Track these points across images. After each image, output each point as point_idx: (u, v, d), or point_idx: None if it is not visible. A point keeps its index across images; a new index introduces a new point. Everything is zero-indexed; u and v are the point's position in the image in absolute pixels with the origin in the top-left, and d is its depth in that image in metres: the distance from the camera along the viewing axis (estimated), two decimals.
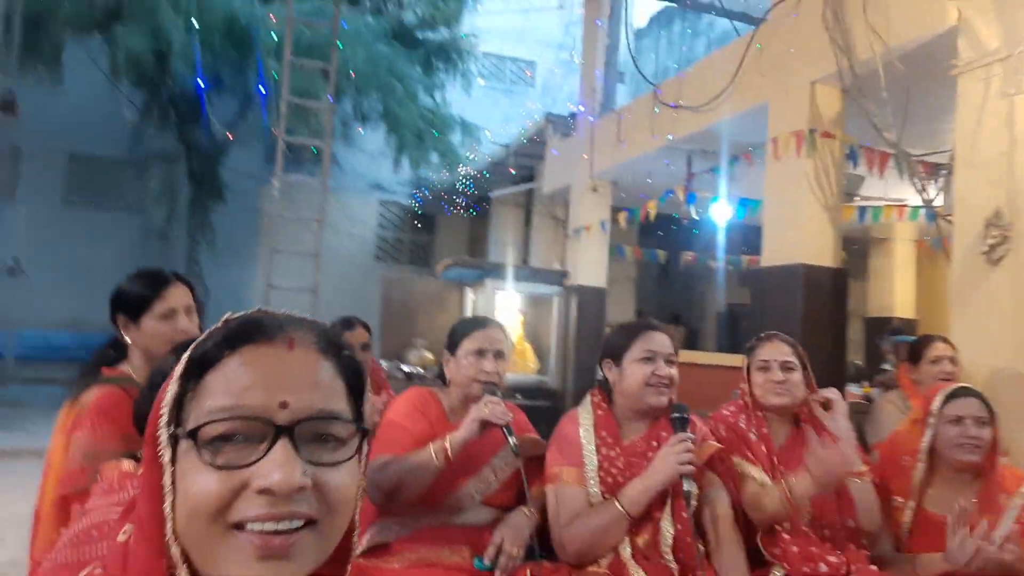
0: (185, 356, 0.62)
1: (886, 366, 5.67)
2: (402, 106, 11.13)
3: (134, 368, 1.71)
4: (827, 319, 4.18)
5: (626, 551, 1.74)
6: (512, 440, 1.75)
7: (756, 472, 1.98)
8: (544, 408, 6.26)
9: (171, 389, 0.61)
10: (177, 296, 1.75)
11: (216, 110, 10.85)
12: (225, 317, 0.65)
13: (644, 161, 6.45)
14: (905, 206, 5.68)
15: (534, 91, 13.56)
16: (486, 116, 12.30)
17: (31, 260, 11.07)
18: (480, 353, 1.88)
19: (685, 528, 1.74)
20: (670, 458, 1.73)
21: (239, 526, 0.56)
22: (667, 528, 1.76)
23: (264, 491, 0.56)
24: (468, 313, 6.89)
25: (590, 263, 7.34)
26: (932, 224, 4.24)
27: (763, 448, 2.02)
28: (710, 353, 8.07)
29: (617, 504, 1.75)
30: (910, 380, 2.99)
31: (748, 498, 1.95)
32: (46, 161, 11.57)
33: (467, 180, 10.55)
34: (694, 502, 1.78)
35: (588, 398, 1.99)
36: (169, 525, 0.58)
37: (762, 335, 2.20)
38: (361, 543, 1.73)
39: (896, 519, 2.13)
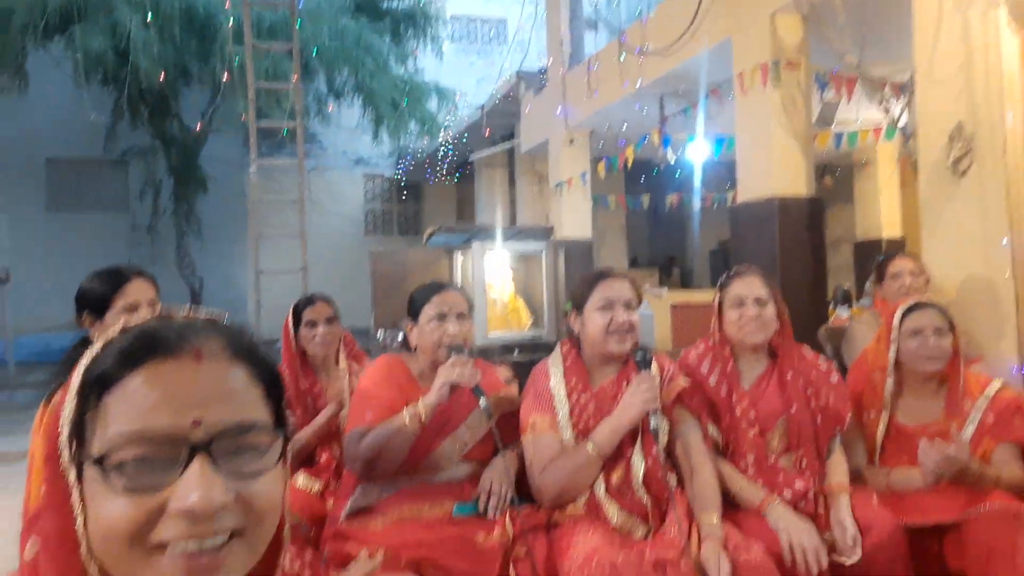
0: (80, 372, 0.59)
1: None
2: (375, 78, 10.99)
3: None
4: (805, 249, 4.21)
5: (600, 489, 1.81)
6: (483, 401, 1.79)
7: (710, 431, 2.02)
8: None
9: (68, 406, 0.58)
10: (138, 290, 1.79)
11: (188, 101, 10.74)
12: (120, 327, 0.62)
13: (617, 109, 6.42)
14: (880, 128, 5.66)
15: (507, 49, 13.37)
16: (461, 79, 12.16)
17: (21, 267, 11.08)
18: (441, 317, 1.92)
19: (655, 463, 1.81)
20: (635, 397, 1.78)
21: (161, 546, 0.54)
22: (638, 464, 1.82)
23: (184, 513, 0.53)
24: (459, 277, 6.93)
25: (574, 215, 7.36)
26: (908, 143, 4.24)
27: (723, 391, 2.04)
28: (703, 291, 8.14)
29: (589, 446, 1.81)
30: (880, 298, 3.04)
31: None
32: (23, 169, 11.52)
33: (448, 146, 10.49)
34: (663, 437, 1.85)
35: (558, 348, 2.04)
36: (83, 545, 0.56)
37: (733, 270, 2.19)
38: (344, 508, 1.81)
39: (870, 432, 2.20)
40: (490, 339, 6.45)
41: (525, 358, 5.89)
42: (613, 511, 1.78)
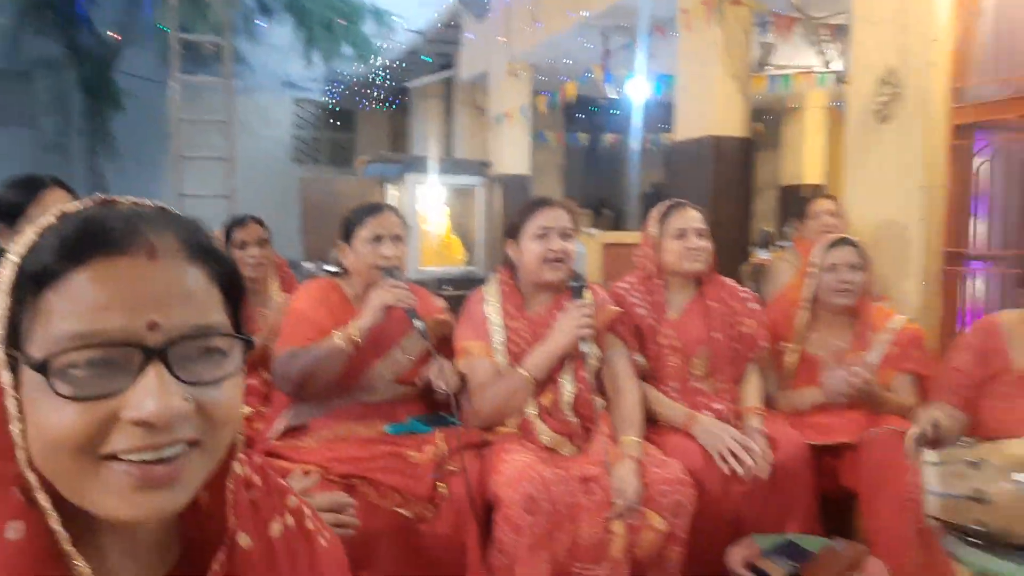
0: (13, 265, 0.53)
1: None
2: None
3: None
4: (736, 188, 4.32)
5: (531, 410, 1.87)
6: (418, 323, 1.80)
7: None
8: None
9: (0, 302, 0.52)
10: (56, 200, 1.70)
11: (101, 10, 9.91)
12: (57, 212, 0.55)
13: (561, 41, 6.31)
14: (812, 72, 5.78)
15: None
16: (398, 2, 11.64)
17: None
18: (377, 239, 1.90)
19: (584, 387, 1.88)
20: (569, 324, 1.83)
21: (112, 456, 0.50)
22: (567, 388, 1.89)
23: (139, 423, 0.49)
24: None
25: (513, 150, 7.29)
26: (839, 89, 4.35)
27: (650, 319, 2.12)
28: (636, 233, 8.27)
29: (522, 370, 1.86)
30: (801, 237, 3.18)
31: None
32: None
33: (384, 72, 10.11)
34: (594, 362, 1.91)
35: (494, 275, 2.05)
36: (20, 452, 0.51)
37: (673, 203, 2.24)
38: (276, 428, 1.81)
39: (781, 362, 2.33)
40: (423, 273, 6.43)
41: (458, 293, 5.91)
42: (543, 431, 1.84)
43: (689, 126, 4.52)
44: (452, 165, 7.41)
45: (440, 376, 1.83)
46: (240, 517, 0.62)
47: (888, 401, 2.08)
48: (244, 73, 11.62)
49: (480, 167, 7.31)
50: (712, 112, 4.34)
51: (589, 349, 1.84)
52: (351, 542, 0.89)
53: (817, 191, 6.97)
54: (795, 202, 7.13)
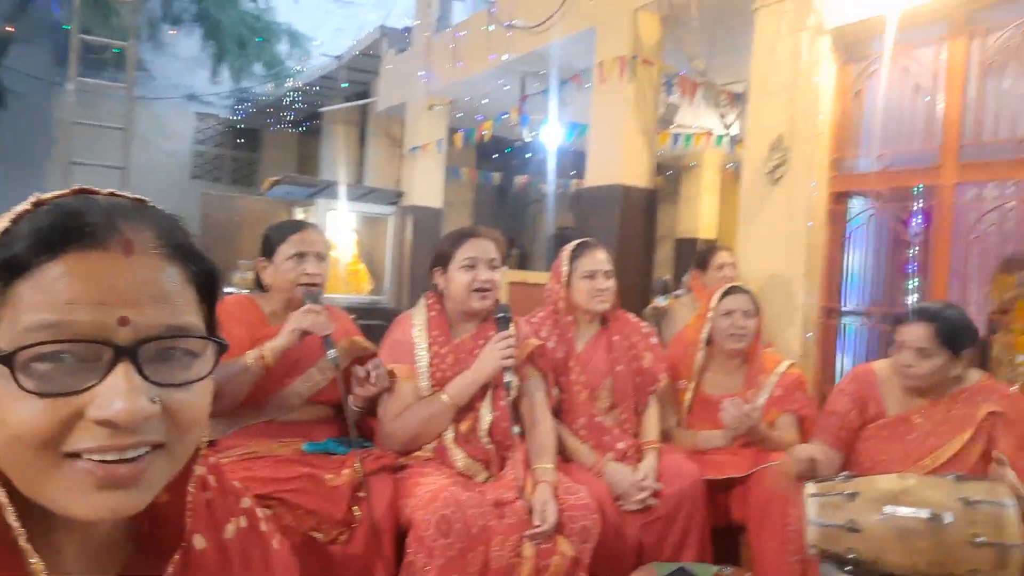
0: None
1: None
2: (221, 9, 10.15)
3: None
4: (640, 236, 4.57)
5: (449, 436, 1.90)
6: (332, 352, 1.80)
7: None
8: (379, 328, 6.31)
9: None
10: None
11: None
12: (33, 199, 0.54)
13: (480, 81, 6.47)
14: (711, 133, 6.23)
15: (368, 2, 12.87)
16: (315, 27, 11.54)
17: None
18: (300, 256, 1.90)
19: (503, 414, 1.93)
20: (494, 354, 1.89)
21: (74, 454, 0.49)
22: (486, 415, 1.93)
23: (104, 423, 0.48)
24: None
25: (427, 183, 7.34)
26: (733, 151, 4.72)
27: (560, 353, 2.22)
28: (540, 273, 8.49)
29: (444, 396, 1.89)
30: (699, 285, 3.40)
31: None
32: None
33: (296, 94, 9.95)
34: (514, 392, 1.96)
35: (422, 300, 2.08)
36: None
37: (584, 243, 2.35)
38: None
39: (680, 399, 2.48)
40: (329, 301, 6.31)
41: (364, 323, 5.83)
42: (459, 456, 1.87)
43: (599, 173, 4.75)
44: (365, 192, 7.37)
45: (374, 372, 1.84)
46: (196, 518, 0.61)
47: (771, 438, 2.26)
48: (144, 81, 11.11)
49: (393, 196, 7.30)
50: (621, 162, 4.59)
51: (511, 378, 1.89)
52: None
53: (715, 244, 7.44)
54: (689, 254, 7.57)
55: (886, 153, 3.17)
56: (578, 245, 2.32)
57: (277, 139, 12.35)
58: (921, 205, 3.14)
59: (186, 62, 11.38)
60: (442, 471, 1.80)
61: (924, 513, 1.55)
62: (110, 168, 6.28)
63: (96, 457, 0.49)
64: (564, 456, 2.11)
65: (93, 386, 0.49)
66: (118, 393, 0.48)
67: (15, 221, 0.52)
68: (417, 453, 1.88)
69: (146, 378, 0.50)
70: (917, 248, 3.13)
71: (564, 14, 5.11)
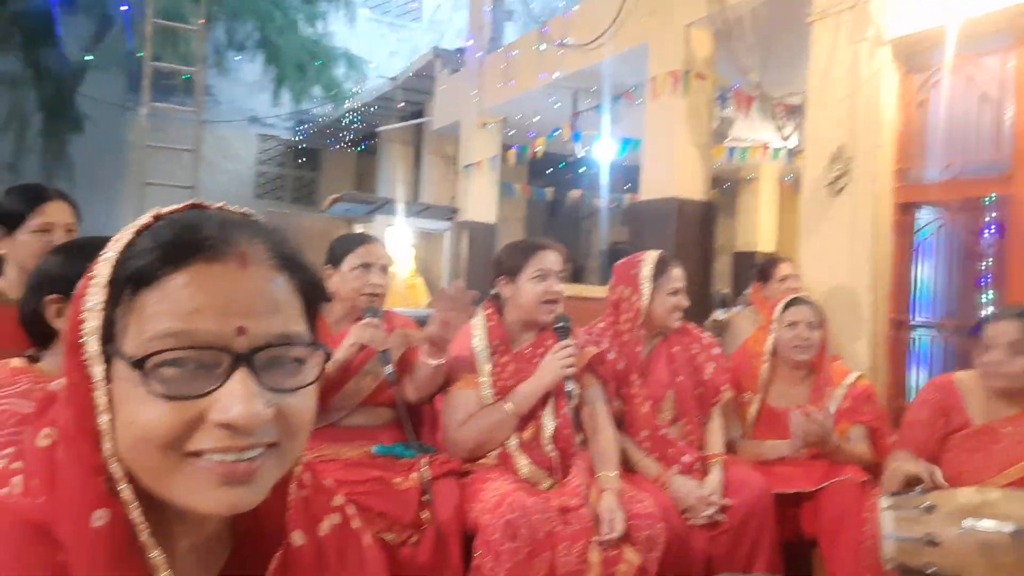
0: (110, 263, 0.55)
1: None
2: (281, 35, 10.54)
3: (8, 282, 1.68)
4: (697, 249, 4.54)
5: (512, 443, 1.93)
6: (388, 368, 1.87)
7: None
8: None
9: (96, 296, 0.54)
10: (57, 212, 1.72)
11: (70, 31, 9.83)
12: (153, 214, 0.58)
13: (532, 98, 6.56)
14: (767, 146, 6.15)
15: (420, 25, 13.19)
16: (371, 49, 11.89)
17: None
18: (366, 267, 1.97)
19: (564, 422, 1.95)
20: (555, 363, 1.92)
21: (196, 453, 0.53)
22: (548, 423, 1.96)
23: (225, 425, 0.52)
24: None
25: (480, 199, 7.45)
26: (791, 163, 4.65)
27: (621, 364, 2.21)
28: (594, 287, 8.48)
29: (507, 405, 1.92)
30: (761, 297, 3.35)
31: None
32: None
33: (353, 114, 10.25)
34: (575, 400, 1.98)
35: (481, 311, 2.12)
36: (108, 443, 0.53)
37: (664, 259, 2.30)
38: None
39: (744, 411, 2.45)
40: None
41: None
42: (523, 463, 1.90)
43: (653, 187, 4.74)
44: (422, 208, 7.52)
45: (368, 329, 1.86)
46: (294, 515, 0.64)
47: (843, 449, 2.20)
48: (210, 105, 11.61)
49: (448, 212, 7.43)
50: (675, 175, 4.58)
51: (572, 387, 1.91)
52: None
53: (776, 256, 7.30)
54: (748, 267, 7.46)
55: (954, 163, 3.09)
56: (660, 261, 2.28)
57: (336, 158, 12.70)
58: (994, 215, 3.04)
59: (249, 86, 11.85)
60: (506, 477, 1.83)
61: (1008, 527, 1.50)
62: (180, 188, 6.58)
63: (216, 457, 0.52)
64: (627, 467, 2.11)
65: (214, 390, 0.52)
66: (237, 398, 0.52)
67: (138, 233, 0.56)
68: (482, 460, 1.92)
69: (261, 384, 0.53)
70: (991, 259, 3.03)
71: (615, 32, 5.15)
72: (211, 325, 0.52)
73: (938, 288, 3.25)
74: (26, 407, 1.11)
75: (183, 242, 0.54)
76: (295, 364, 0.57)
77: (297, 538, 0.64)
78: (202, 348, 0.52)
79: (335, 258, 2.01)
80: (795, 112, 4.52)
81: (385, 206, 7.19)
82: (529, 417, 1.95)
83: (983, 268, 3.10)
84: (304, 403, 0.57)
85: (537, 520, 1.67)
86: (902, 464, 1.88)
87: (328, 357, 0.60)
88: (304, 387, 0.56)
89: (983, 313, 3.06)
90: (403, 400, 1.93)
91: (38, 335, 1.25)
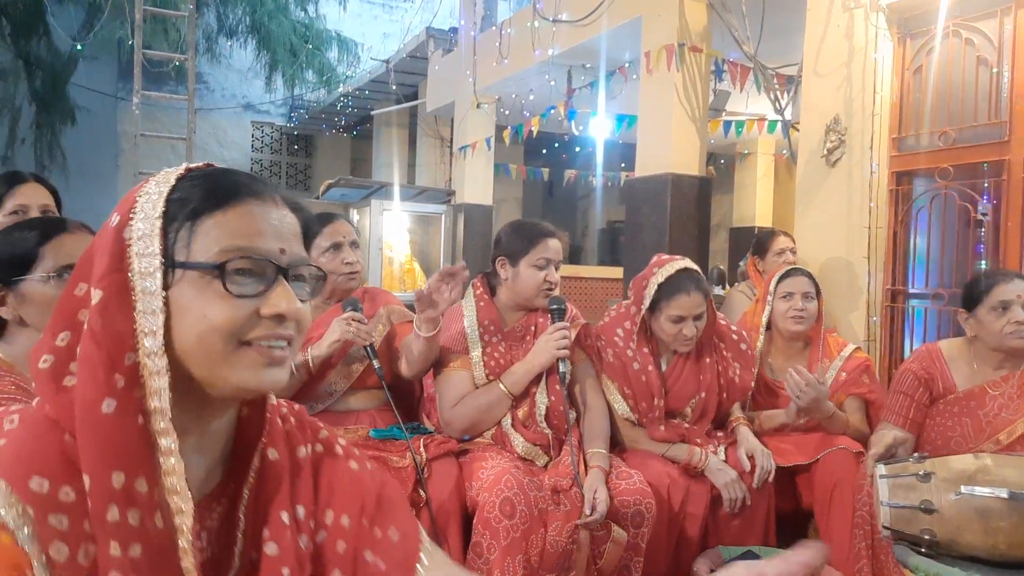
0: (163, 196, 0.68)
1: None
2: (273, 19, 10.45)
3: None
4: (692, 225, 4.51)
5: (507, 422, 1.93)
6: (376, 363, 1.87)
7: (620, 406, 2.10)
8: None
9: (146, 225, 0.67)
10: (30, 194, 1.72)
11: (59, 21, 9.74)
12: (183, 169, 0.72)
13: (526, 77, 6.50)
14: (764, 119, 6.10)
15: (413, 6, 13.06)
16: (365, 32, 11.78)
17: None
18: (337, 247, 1.96)
19: (558, 399, 1.95)
20: (549, 344, 1.91)
21: (245, 343, 0.67)
22: (542, 401, 1.96)
23: (276, 316, 0.68)
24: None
25: (476, 181, 7.41)
26: (786, 138, 4.61)
27: (643, 377, 2.11)
28: (591, 267, 8.49)
29: (501, 386, 1.93)
30: (757, 271, 3.34)
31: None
32: None
33: (347, 99, 10.17)
34: (568, 378, 1.98)
35: (471, 290, 2.11)
36: (150, 341, 0.65)
37: (668, 283, 2.09)
38: None
39: None
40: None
41: None
42: (518, 441, 1.90)
43: (648, 163, 4.71)
44: (418, 192, 7.49)
45: (351, 325, 1.85)
46: (272, 438, 0.76)
47: (838, 416, 2.20)
48: (203, 92, 11.54)
49: (444, 195, 7.40)
50: (670, 151, 4.54)
51: (565, 367, 1.91)
52: None
53: (773, 229, 7.28)
54: (744, 243, 7.44)
55: (950, 130, 3.06)
56: (669, 281, 2.08)
57: (330, 144, 12.64)
58: (991, 182, 3.02)
59: (242, 73, 11.77)
60: (503, 455, 1.84)
61: (1003, 492, 1.50)
62: None
63: (264, 343, 0.68)
64: (616, 442, 2.09)
65: (266, 292, 0.68)
66: (284, 297, 0.69)
67: (180, 178, 0.70)
68: (478, 439, 1.92)
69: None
70: (986, 227, 3.01)
71: (610, 5, 5.09)
72: (267, 244, 0.69)
73: (935, 257, 3.23)
74: None
75: (232, 185, 0.70)
76: (302, 280, 0.74)
77: (272, 454, 0.75)
78: (261, 260, 0.68)
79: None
80: (791, 84, 4.48)
81: (380, 190, 7.16)
82: (523, 396, 1.95)
83: (981, 236, 3.08)
84: (307, 311, 0.73)
85: (533, 498, 1.68)
86: (886, 432, 1.89)
87: (325, 278, 0.78)
88: (307, 298, 0.73)
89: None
90: (390, 384, 1.92)
91: None
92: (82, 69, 10.28)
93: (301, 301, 0.72)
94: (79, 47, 9.61)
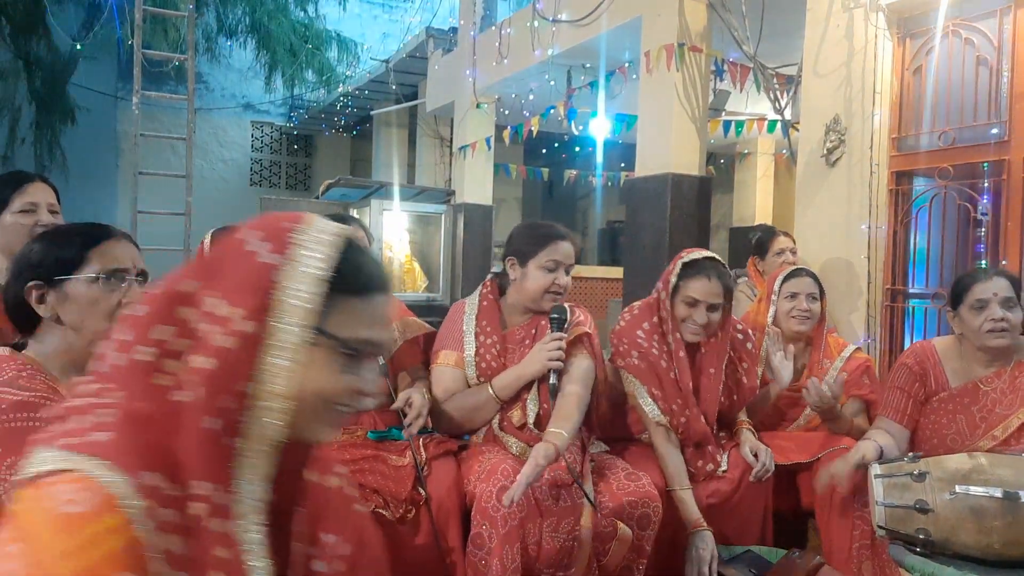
0: (330, 263, 0.75)
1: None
2: (272, 19, 10.46)
3: None
4: (692, 225, 4.51)
5: (496, 425, 1.94)
6: (380, 360, 1.84)
7: (650, 409, 2.05)
8: (434, 325, 6.42)
9: (306, 283, 0.74)
10: (38, 192, 1.72)
11: (59, 21, 9.74)
12: (346, 238, 0.80)
13: (526, 77, 6.50)
14: (764, 119, 6.10)
15: (413, 5, 13.06)
16: (363, 32, 11.78)
17: None
18: None
19: (549, 406, 1.89)
20: (542, 353, 1.88)
21: (334, 406, 0.78)
22: (532, 408, 1.92)
23: (363, 393, 0.79)
24: None
25: (476, 181, 7.41)
26: (786, 138, 4.61)
27: (672, 375, 2.08)
28: (592, 267, 8.49)
29: (490, 389, 1.92)
30: (757, 270, 3.34)
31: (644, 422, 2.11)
32: None
33: (347, 99, 10.17)
34: (558, 389, 1.90)
35: (480, 288, 2.10)
36: (283, 384, 0.73)
37: (691, 266, 2.09)
38: None
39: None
40: None
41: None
42: (511, 442, 1.90)
43: (648, 163, 4.71)
44: (417, 192, 7.49)
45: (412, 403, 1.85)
46: (312, 464, 0.88)
47: (844, 418, 2.21)
48: (202, 92, 11.54)
49: (444, 195, 7.40)
50: (670, 151, 4.54)
51: (556, 380, 1.87)
52: None
53: (774, 229, 7.28)
54: (744, 243, 7.44)
55: (950, 130, 3.06)
56: (689, 267, 2.09)
57: (330, 143, 12.64)
58: (991, 182, 3.02)
59: (241, 73, 11.77)
60: (501, 451, 1.84)
61: (997, 492, 1.50)
62: (175, 177, 6.56)
63: (343, 408, 0.79)
64: (631, 439, 2.10)
65: (360, 372, 0.79)
66: (374, 378, 0.81)
67: (343, 251, 0.78)
68: (472, 439, 1.92)
69: None
70: (986, 227, 3.01)
71: (609, 5, 5.09)
72: (382, 337, 0.81)
73: (935, 257, 3.23)
74: (16, 394, 1.11)
75: (380, 277, 0.81)
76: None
77: (313, 476, 0.87)
78: (377, 350, 0.80)
79: None
80: (791, 83, 4.47)
81: (380, 190, 7.16)
82: (513, 401, 1.94)
83: (981, 236, 3.08)
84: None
85: (529, 488, 1.66)
86: (863, 447, 1.88)
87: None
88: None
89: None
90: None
91: (23, 322, 1.24)
92: (82, 69, 10.28)
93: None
94: (79, 47, 9.61)
